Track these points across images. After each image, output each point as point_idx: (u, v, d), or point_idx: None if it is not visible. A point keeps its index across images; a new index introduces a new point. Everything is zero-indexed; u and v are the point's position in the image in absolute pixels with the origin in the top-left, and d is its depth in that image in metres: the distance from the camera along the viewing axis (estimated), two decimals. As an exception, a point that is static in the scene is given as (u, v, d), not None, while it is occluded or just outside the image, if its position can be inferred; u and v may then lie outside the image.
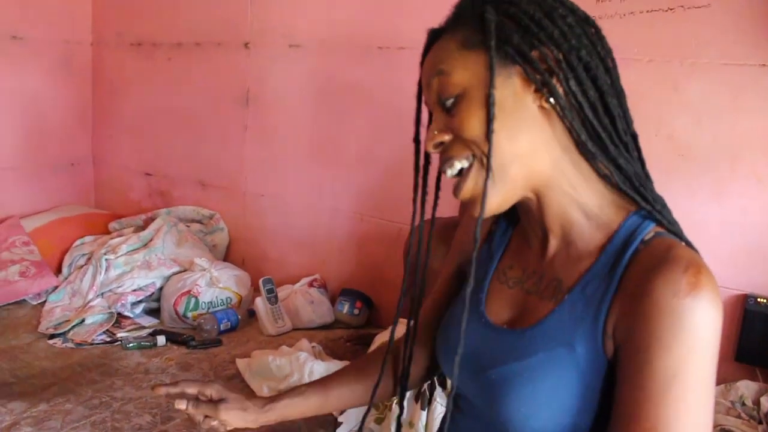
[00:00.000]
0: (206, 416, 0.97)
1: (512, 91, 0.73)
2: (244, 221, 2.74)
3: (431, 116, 0.80)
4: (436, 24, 0.83)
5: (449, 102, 0.76)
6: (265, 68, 2.59)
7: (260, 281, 2.28)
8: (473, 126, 0.74)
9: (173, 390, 0.99)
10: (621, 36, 1.86)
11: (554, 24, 0.73)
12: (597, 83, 0.74)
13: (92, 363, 2.01)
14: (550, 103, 0.73)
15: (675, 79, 1.75)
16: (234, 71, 2.67)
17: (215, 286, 2.35)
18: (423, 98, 0.84)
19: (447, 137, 0.77)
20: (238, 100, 2.67)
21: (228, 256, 2.78)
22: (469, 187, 0.77)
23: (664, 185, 1.82)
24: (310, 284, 2.40)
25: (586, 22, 0.75)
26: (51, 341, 2.15)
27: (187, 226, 2.73)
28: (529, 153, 0.75)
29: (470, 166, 0.76)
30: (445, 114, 0.77)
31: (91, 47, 3.16)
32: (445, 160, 0.78)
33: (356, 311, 2.32)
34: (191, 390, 0.99)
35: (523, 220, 0.86)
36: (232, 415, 0.96)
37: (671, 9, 1.74)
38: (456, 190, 0.79)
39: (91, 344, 2.14)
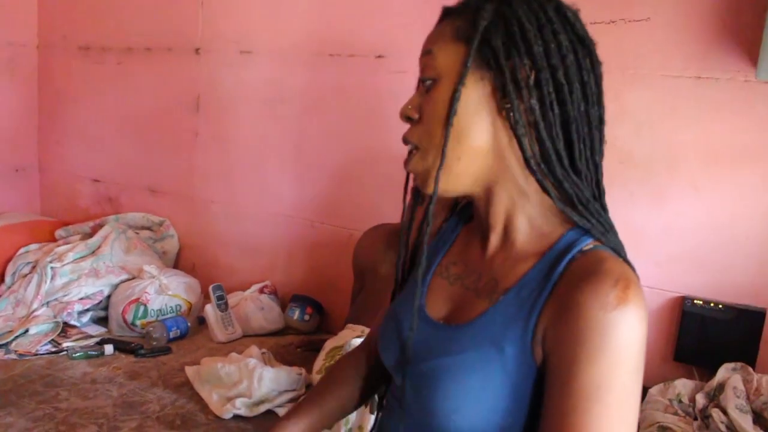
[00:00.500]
0: None
1: (480, 94, 0.76)
2: (195, 228, 2.71)
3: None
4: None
5: (427, 83, 0.79)
6: (216, 74, 2.57)
7: (210, 288, 2.27)
8: (436, 113, 0.77)
9: None
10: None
11: (541, 39, 0.74)
12: (564, 107, 0.74)
13: (36, 374, 1.97)
14: (508, 115, 0.75)
15: (616, 89, 1.80)
16: (185, 77, 2.65)
17: (164, 293, 2.33)
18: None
19: (416, 115, 0.80)
20: (189, 106, 2.65)
21: (178, 263, 2.75)
22: (415, 166, 0.81)
23: (607, 192, 1.88)
24: (261, 290, 2.40)
25: (580, 43, 0.76)
26: (-7, 352, 2.10)
27: (137, 233, 2.69)
28: (480, 154, 0.77)
29: (420, 148, 0.80)
30: (422, 92, 0.80)
31: (37, 50, 3.10)
32: (404, 137, 0.82)
33: (307, 317, 2.32)
34: None
35: (474, 216, 0.88)
36: None
37: (613, 21, 1.80)
38: (406, 162, 0.83)
39: (36, 355, 2.09)
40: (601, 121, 0.78)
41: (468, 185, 0.80)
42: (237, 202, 2.58)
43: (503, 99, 0.75)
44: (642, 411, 1.64)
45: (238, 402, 1.74)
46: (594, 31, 1.84)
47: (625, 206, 1.83)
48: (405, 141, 0.82)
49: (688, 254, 1.78)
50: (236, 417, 1.74)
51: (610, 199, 1.78)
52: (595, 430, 0.66)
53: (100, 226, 2.71)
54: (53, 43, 3.05)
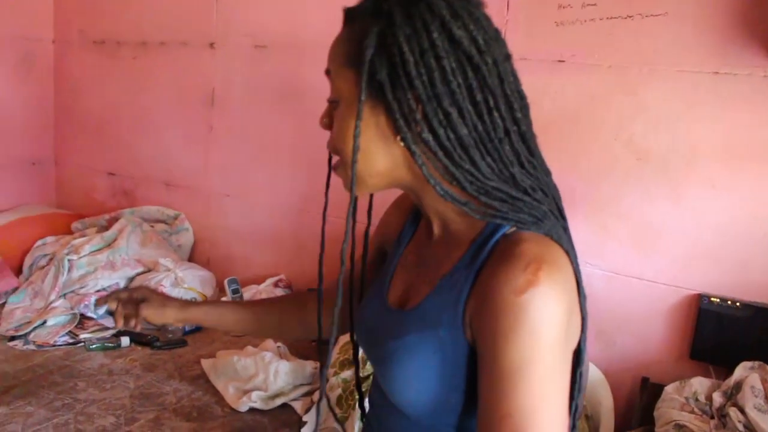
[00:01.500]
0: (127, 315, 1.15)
1: (376, 122, 0.78)
2: (209, 221, 2.73)
3: None
4: None
5: (331, 100, 0.83)
6: (231, 68, 2.58)
7: (225, 281, 2.28)
8: (340, 136, 0.81)
9: (112, 305, 1.16)
10: (582, 42, 1.91)
11: (424, 68, 0.73)
12: (457, 132, 0.74)
13: (54, 365, 1.99)
14: (406, 146, 0.77)
15: (634, 85, 1.80)
16: (199, 71, 2.66)
17: (180, 286, 2.34)
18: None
19: (329, 127, 0.85)
20: (204, 100, 2.66)
21: (193, 256, 2.77)
22: (339, 173, 0.85)
23: (623, 188, 1.88)
24: (276, 284, 2.41)
25: (468, 62, 0.74)
26: (11, 343, 2.12)
27: (152, 226, 2.71)
28: (389, 172, 0.81)
29: (339, 162, 0.84)
30: (332, 106, 0.84)
31: (53, 45, 3.12)
32: (327, 144, 0.85)
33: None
34: (123, 295, 1.17)
35: None
36: (152, 312, 1.13)
37: (630, 17, 1.79)
38: (334, 168, 0.87)
39: (54, 346, 2.11)
40: (507, 132, 0.77)
41: (391, 186, 0.84)
42: (251, 196, 2.59)
43: (396, 128, 0.77)
44: (658, 408, 1.64)
45: (254, 395, 1.75)
46: (611, 27, 1.84)
47: (642, 203, 1.82)
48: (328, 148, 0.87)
49: (705, 251, 1.77)
50: (252, 410, 1.76)
51: (627, 196, 1.78)
52: (522, 407, 0.69)
53: (116, 219, 2.73)
54: (69, 37, 3.07)
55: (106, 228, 2.68)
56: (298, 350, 2.07)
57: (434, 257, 0.86)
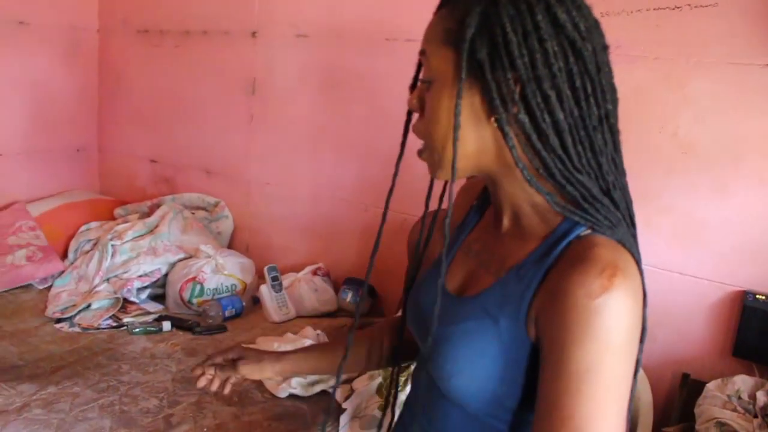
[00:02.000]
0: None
1: (470, 102, 0.77)
2: (249, 209, 2.76)
3: None
4: None
5: (425, 81, 0.81)
6: (272, 57, 2.60)
7: (265, 269, 2.31)
8: (432, 116, 0.80)
9: (200, 369, 1.16)
10: (627, 33, 1.88)
11: (526, 49, 0.73)
12: (554, 116, 0.74)
13: (99, 347, 2.04)
14: (499, 127, 0.76)
15: (680, 77, 1.77)
16: (241, 60, 2.68)
17: (220, 273, 2.38)
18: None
19: (419, 109, 0.83)
20: (245, 89, 2.68)
21: (232, 243, 2.81)
22: (424, 158, 0.85)
23: (666, 181, 1.85)
24: (314, 272, 2.43)
25: (571, 46, 0.74)
26: (57, 325, 2.17)
27: (192, 213, 2.75)
28: (476, 154, 0.80)
29: (425, 143, 0.83)
30: (424, 88, 0.82)
31: (98, 34, 3.17)
32: (413, 128, 0.86)
33: (360, 300, 2.35)
34: (218, 359, 1.16)
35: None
36: (249, 369, 1.13)
37: (678, 7, 1.76)
38: (418, 153, 0.86)
39: (98, 329, 2.16)
40: (601, 120, 0.77)
41: (474, 172, 0.84)
42: (291, 184, 2.61)
43: (492, 108, 0.76)
44: (698, 406, 1.62)
45: (294, 381, 1.77)
46: (658, 18, 1.81)
47: (687, 197, 1.79)
48: (415, 132, 0.86)
49: (750, 248, 1.74)
50: (291, 396, 1.78)
51: (670, 190, 1.75)
52: (584, 411, 0.69)
53: (158, 205, 2.77)
54: (113, 26, 3.12)
55: (148, 214, 2.73)
56: (337, 338, 2.09)
57: (501, 249, 0.86)
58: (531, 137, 0.75)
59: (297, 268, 2.47)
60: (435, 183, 0.94)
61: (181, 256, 2.49)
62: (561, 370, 0.71)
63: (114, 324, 2.20)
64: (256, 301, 2.35)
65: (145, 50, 3.01)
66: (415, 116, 0.85)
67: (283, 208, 2.65)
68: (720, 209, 1.76)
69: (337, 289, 2.43)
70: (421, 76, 0.84)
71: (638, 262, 0.76)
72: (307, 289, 2.36)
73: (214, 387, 1.14)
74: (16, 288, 2.43)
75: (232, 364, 1.14)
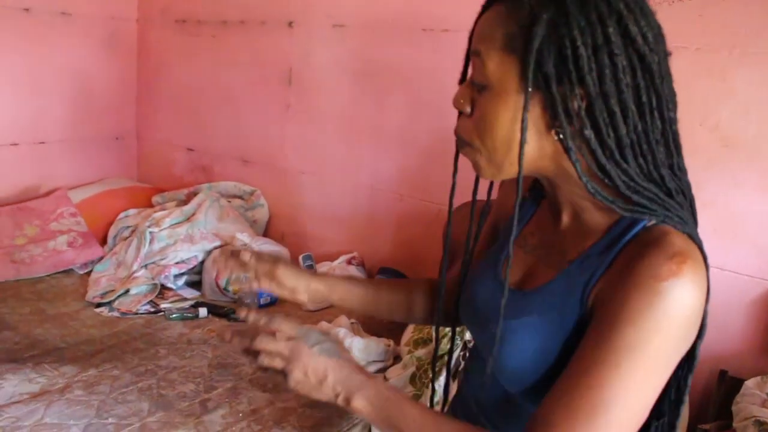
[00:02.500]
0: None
1: (533, 111, 0.74)
2: (285, 198, 2.78)
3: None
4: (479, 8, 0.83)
5: (478, 85, 0.78)
6: (309, 47, 2.61)
7: (300, 257, 2.33)
8: (486, 124, 0.77)
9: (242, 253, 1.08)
10: (669, 24, 1.84)
11: (596, 63, 0.70)
12: (618, 132, 0.73)
13: (137, 332, 2.08)
14: (558, 137, 0.74)
15: (723, 69, 1.73)
16: (278, 50, 2.70)
17: (256, 261, 2.40)
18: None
19: (468, 110, 0.80)
20: (282, 78, 2.70)
21: (268, 231, 2.83)
22: (468, 156, 0.82)
23: (706, 175, 1.82)
24: (349, 262, 2.44)
25: (640, 61, 0.72)
26: (97, 310, 2.22)
27: (229, 202, 2.78)
28: (533, 163, 0.78)
29: (472, 146, 0.80)
30: (474, 88, 0.79)
31: (137, 24, 3.22)
32: (456, 128, 0.83)
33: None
34: (248, 258, 1.08)
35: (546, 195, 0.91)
36: (288, 273, 1.04)
37: (722, -3, 1.73)
38: (458, 146, 0.84)
39: (136, 314, 2.20)
40: (664, 132, 0.76)
41: (526, 174, 0.81)
42: (326, 174, 2.63)
43: (554, 121, 0.74)
44: (737, 403, 1.60)
45: (328, 369, 1.78)
46: (700, 8, 1.77)
47: (728, 190, 1.76)
48: (455, 132, 0.83)
49: (793, 242, 1.71)
50: (325, 384, 1.79)
51: (711, 183, 1.72)
52: (615, 385, 0.69)
53: (194, 193, 2.81)
54: (152, 17, 3.16)
55: (185, 202, 2.77)
56: (371, 327, 2.10)
57: (560, 243, 0.85)
58: (596, 153, 0.73)
59: (332, 257, 2.49)
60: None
61: (218, 243, 2.52)
62: (606, 342, 0.70)
63: (152, 309, 2.24)
64: (291, 290, 2.37)
65: (183, 40, 3.04)
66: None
67: (319, 197, 2.67)
68: (761, 204, 1.73)
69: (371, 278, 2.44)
70: (471, 76, 0.80)
71: (705, 259, 0.75)
72: (342, 278, 2.37)
73: (252, 284, 1.06)
74: (58, 273, 2.50)
75: (273, 262, 1.06)
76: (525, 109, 0.73)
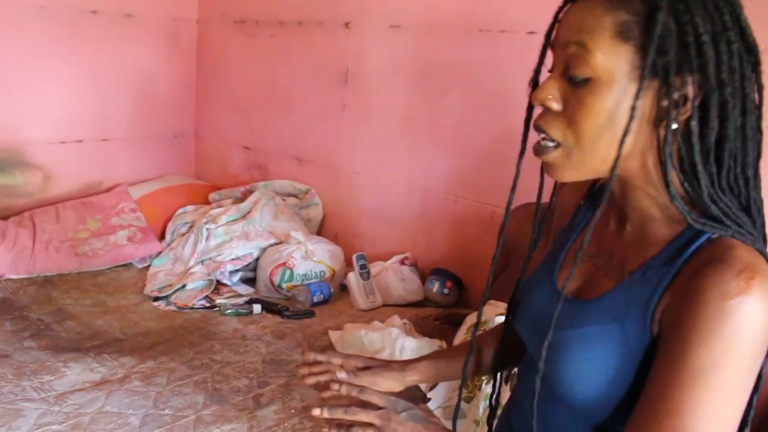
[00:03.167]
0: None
1: (642, 101, 0.71)
2: (339, 197, 2.80)
3: (554, 66, 0.78)
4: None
5: (578, 78, 0.73)
6: (365, 48, 2.62)
7: (354, 257, 2.34)
8: (587, 120, 0.73)
9: (321, 357, 1.05)
10: (753, 25, 1.78)
11: (714, 52, 0.69)
12: (723, 124, 0.71)
13: (193, 326, 2.12)
14: (666, 128, 0.72)
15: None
16: (334, 50, 2.71)
17: (310, 259, 2.42)
18: (552, 41, 0.79)
19: (557, 107, 0.75)
20: (338, 78, 2.71)
21: (322, 230, 2.85)
22: (554, 160, 0.77)
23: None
24: (402, 262, 2.44)
25: (749, 52, 0.70)
26: (155, 303, 2.28)
27: (284, 200, 2.81)
28: (625, 156, 0.74)
29: (563, 145, 0.76)
30: (567, 83, 0.75)
31: (197, 24, 3.28)
32: (539, 126, 0.77)
33: (446, 291, 2.34)
34: (336, 360, 1.05)
35: (609, 201, 0.86)
36: (384, 379, 1.03)
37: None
38: (538, 150, 0.78)
39: (192, 308, 2.25)
40: (756, 131, 0.73)
41: (602, 176, 0.78)
42: (381, 174, 2.63)
43: (661, 112, 0.71)
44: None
45: (379, 369, 1.79)
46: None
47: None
48: (540, 130, 0.78)
49: None
50: (377, 383, 1.79)
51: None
52: (693, 409, 0.66)
53: (250, 191, 2.85)
54: (212, 17, 3.22)
55: (241, 199, 2.81)
56: (421, 328, 2.10)
57: (620, 252, 0.82)
58: (694, 149, 0.71)
59: (385, 257, 2.49)
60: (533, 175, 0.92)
61: (272, 241, 2.55)
62: (679, 365, 0.68)
63: (207, 304, 2.28)
64: (344, 288, 2.39)
65: (242, 40, 3.09)
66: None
67: (372, 197, 2.67)
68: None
69: (423, 279, 2.43)
70: (559, 71, 0.76)
71: None
72: (394, 278, 2.37)
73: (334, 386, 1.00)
74: (118, 266, 2.57)
75: (368, 372, 1.03)
76: (637, 97, 0.70)
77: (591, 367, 0.77)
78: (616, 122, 0.72)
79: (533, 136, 0.82)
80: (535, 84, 0.83)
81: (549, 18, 0.81)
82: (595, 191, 0.93)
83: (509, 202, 0.92)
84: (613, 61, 0.71)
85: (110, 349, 1.89)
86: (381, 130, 2.60)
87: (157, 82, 3.18)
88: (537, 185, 0.91)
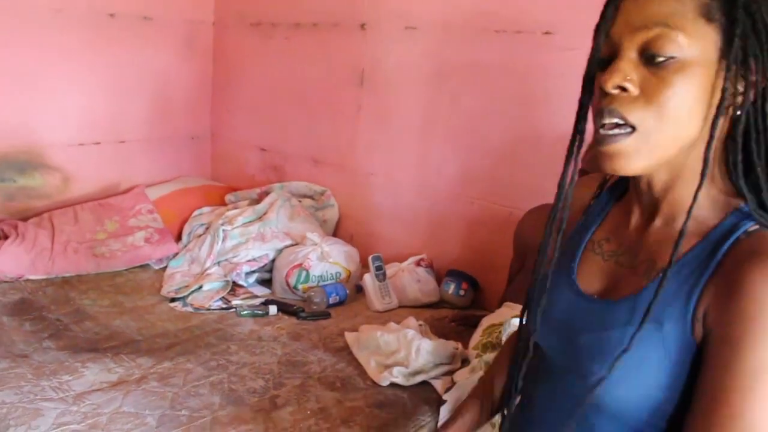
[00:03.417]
0: None
1: (711, 83, 0.72)
2: (355, 198, 2.80)
3: (611, 54, 0.76)
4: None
5: (659, 59, 0.72)
6: (381, 49, 2.62)
7: (369, 258, 2.33)
8: (671, 99, 0.72)
9: None
10: None
11: None
12: None
13: (209, 327, 2.12)
14: (730, 112, 0.72)
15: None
16: (350, 52, 2.72)
17: (326, 260, 2.42)
18: (606, 29, 0.77)
19: (635, 91, 0.73)
20: (353, 80, 2.72)
21: (337, 231, 2.86)
22: (624, 147, 0.74)
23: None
24: (417, 263, 2.44)
25: None
26: (172, 304, 2.28)
27: (300, 201, 2.82)
28: (681, 144, 0.74)
29: (639, 129, 0.74)
30: (643, 66, 0.74)
31: (213, 27, 3.30)
32: (615, 109, 0.74)
33: (462, 292, 2.34)
34: None
35: (631, 195, 0.86)
36: None
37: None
38: (603, 140, 0.75)
39: (208, 309, 2.25)
40: None
41: (652, 170, 0.77)
42: (397, 176, 2.63)
43: (737, 96, 0.72)
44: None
45: (395, 370, 1.78)
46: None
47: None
48: (614, 114, 0.74)
49: None
50: (393, 385, 1.79)
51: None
52: (755, 411, 0.65)
53: (266, 193, 2.86)
54: (227, 20, 3.23)
55: (257, 201, 2.82)
56: (437, 329, 2.09)
57: (646, 249, 0.81)
58: (750, 137, 0.73)
59: (400, 258, 2.48)
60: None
61: (288, 242, 2.55)
62: (733, 366, 0.67)
63: (223, 306, 2.29)
64: (360, 290, 2.39)
65: (258, 42, 3.10)
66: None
67: (388, 199, 2.67)
68: None
69: (439, 281, 2.42)
70: (639, 54, 0.74)
71: None
72: (410, 279, 2.37)
73: None
74: (135, 267, 2.58)
75: None
76: (726, 79, 0.71)
77: (629, 369, 0.75)
78: (701, 103, 0.72)
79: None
80: (588, 76, 0.80)
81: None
82: (608, 187, 0.92)
83: (559, 199, 0.87)
84: (698, 41, 0.71)
85: (127, 349, 1.91)
86: (397, 132, 2.60)
87: (173, 85, 3.20)
88: (555, 187, 0.88)
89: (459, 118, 2.40)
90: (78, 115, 2.89)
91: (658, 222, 0.81)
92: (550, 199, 0.92)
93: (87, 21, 2.82)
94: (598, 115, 0.76)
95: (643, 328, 0.75)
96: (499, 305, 1.98)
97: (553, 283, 0.90)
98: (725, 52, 0.71)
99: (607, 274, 0.85)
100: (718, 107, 0.71)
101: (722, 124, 0.74)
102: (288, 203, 2.72)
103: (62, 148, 2.86)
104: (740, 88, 0.72)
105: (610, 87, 0.74)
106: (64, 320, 2.08)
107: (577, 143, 0.85)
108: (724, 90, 0.71)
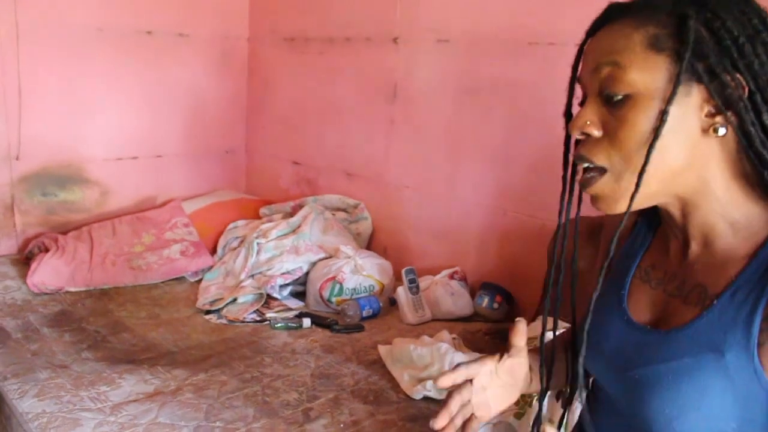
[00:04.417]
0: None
1: (684, 110, 0.71)
2: (388, 211, 2.80)
3: (584, 97, 0.79)
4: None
5: (616, 98, 0.73)
6: (414, 63, 2.63)
7: (403, 271, 2.33)
8: (632, 136, 0.73)
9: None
10: None
11: (754, 52, 0.69)
12: None
13: (244, 339, 2.14)
14: (717, 131, 0.71)
15: None
16: (382, 66, 2.73)
17: (359, 273, 2.43)
18: (578, 74, 0.80)
19: (597, 133, 0.75)
20: (386, 94, 2.73)
21: (371, 244, 2.86)
22: (602, 189, 0.76)
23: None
24: (451, 276, 2.43)
25: None
26: (207, 316, 2.30)
27: (333, 214, 2.83)
28: (677, 171, 0.73)
29: (610, 170, 0.75)
30: (604, 107, 0.75)
31: (248, 42, 3.35)
32: (582, 155, 0.77)
33: (496, 305, 2.32)
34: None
35: (664, 223, 0.85)
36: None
37: None
38: (584, 184, 0.78)
39: (243, 322, 2.27)
40: None
41: (660, 201, 0.77)
42: (430, 188, 2.63)
43: (708, 117, 0.71)
44: None
45: (429, 384, 1.77)
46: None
47: None
48: (583, 160, 0.77)
49: None
50: (426, 398, 1.78)
51: None
52: None
53: (300, 206, 2.88)
54: (262, 35, 3.28)
55: (291, 214, 2.84)
56: (471, 343, 2.08)
57: (692, 277, 0.79)
58: (754, 142, 0.71)
59: (434, 271, 2.48)
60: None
61: (322, 255, 2.56)
62: None
63: (258, 318, 2.30)
64: (393, 303, 2.38)
65: (291, 57, 3.13)
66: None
67: (421, 212, 2.67)
68: None
69: (473, 294, 2.41)
70: (595, 93, 0.76)
71: None
72: (444, 292, 2.36)
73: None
74: (171, 279, 2.62)
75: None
76: (670, 102, 0.70)
77: (689, 402, 0.73)
78: (671, 132, 0.71)
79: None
80: (568, 117, 0.83)
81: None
82: (647, 212, 0.89)
83: (560, 223, 0.89)
84: (649, 74, 0.71)
85: (163, 361, 1.93)
86: (429, 145, 2.60)
87: (209, 100, 3.25)
88: (589, 203, 0.87)
89: (491, 130, 2.39)
90: (116, 131, 2.96)
91: (694, 246, 0.79)
92: (583, 212, 0.91)
93: (126, 39, 2.88)
94: (575, 160, 0.79)
95: (700, 358, 0.73)
96: (534, 318, 1.96)
97: (605, 315, 0.87)
98: (681, 73, 0.70)
99: (657, 303, 0.83)
100: (656, 131, 0.70)
101: (713, 144, 0.73)
102: (321, 216, 2.74)
103: (101, 163, 2.92)
104: (712, 109, 0.71)
105: (576, 134, 0.77)
106: (102, 332, 2.12)
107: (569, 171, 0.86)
108: (663, 113, 0.70)
